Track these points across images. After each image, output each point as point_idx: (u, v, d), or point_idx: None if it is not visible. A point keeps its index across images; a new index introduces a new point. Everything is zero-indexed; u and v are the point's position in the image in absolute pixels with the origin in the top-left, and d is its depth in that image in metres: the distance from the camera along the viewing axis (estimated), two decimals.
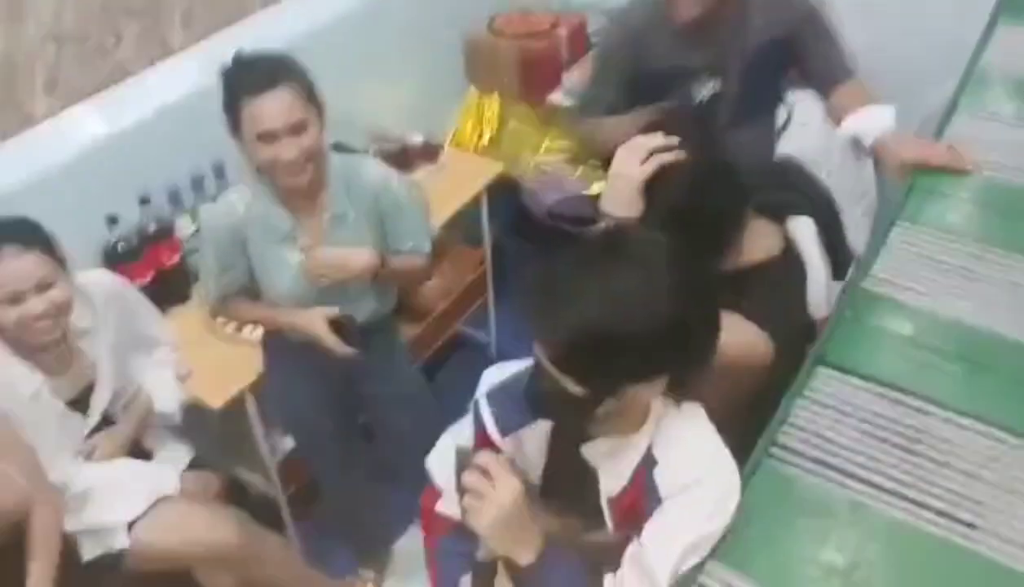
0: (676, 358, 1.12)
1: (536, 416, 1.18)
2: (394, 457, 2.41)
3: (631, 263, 1.09)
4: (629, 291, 1.07)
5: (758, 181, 1.50)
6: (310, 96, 1.81)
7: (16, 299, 1.72)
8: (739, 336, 1.40)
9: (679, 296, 1.08)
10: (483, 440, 1.35)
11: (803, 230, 1.58)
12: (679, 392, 1.22)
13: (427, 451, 1.66)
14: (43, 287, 1.75)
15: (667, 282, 1.08)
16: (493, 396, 1.37)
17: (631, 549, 1.19)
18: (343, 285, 1.98)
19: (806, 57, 2.02)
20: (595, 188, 2.95)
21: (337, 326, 1.97)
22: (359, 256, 1.94)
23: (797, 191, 1.64)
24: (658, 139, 1.41)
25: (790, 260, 1.55)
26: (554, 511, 1.29)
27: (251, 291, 2.04)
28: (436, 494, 1.43)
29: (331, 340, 1.96)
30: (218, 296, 2.03)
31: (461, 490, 1.18)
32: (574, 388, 1.12)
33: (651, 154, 1.40)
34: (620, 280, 1.08)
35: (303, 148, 1.78)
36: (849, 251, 1.73)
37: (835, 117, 1.96)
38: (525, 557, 1.17)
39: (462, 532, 1.24)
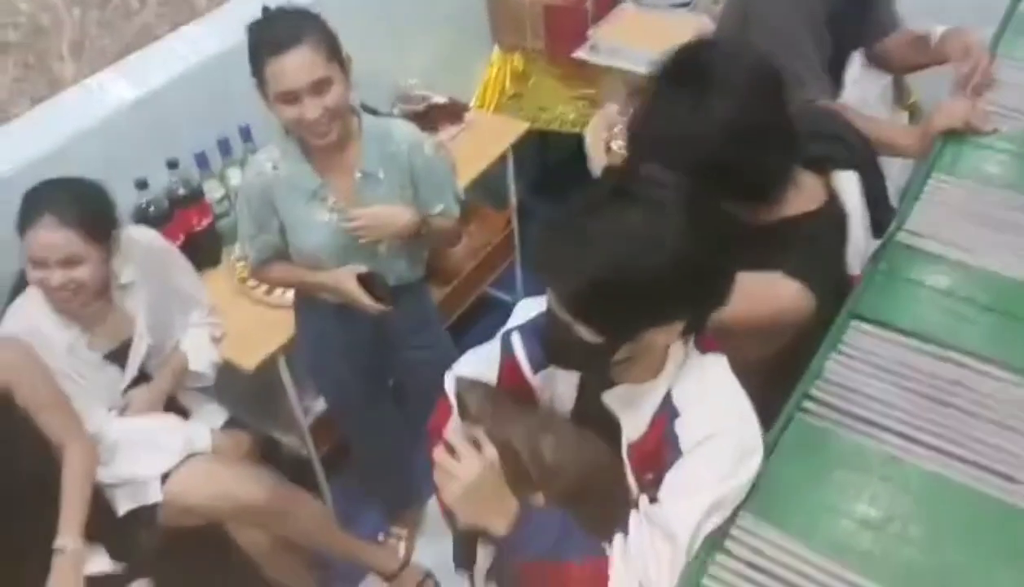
0: (690, 301, 1.10)
1: (553, 364, 1.17)
2: (423, 419, 2.42)
3: (641, 205, 1.07)
4: (639, 233, 1.05)
5: (805, 130, 1.47)
6: (332, 53, 1.78)
7: (39, 265, 1.77)
8: (779, 290, 1.39)
9: (690, 237, 1.06)
10: (511, 372, 1.33)
11: (847, 184, 1.55)
12: (696, 334, 1.21)
13: None
14: (69, 264, 1.78)
15: (677, 223, 1.06)
16: (526, 331, 1.34)
17: (646, 507, 1.16)
18: (376, 246, 1.97)
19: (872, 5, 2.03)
20: None
21: (367, 283, 1.97)
22: (403, 213, 1.93)
23: (843, 143, 1.61)
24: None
25: (833, 214, 1.52)
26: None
27: (287, 254, 2.04)
28: (447, 411, 1.40)
29: (361, 297, 1.95)
30: (256, 260, 2.03)
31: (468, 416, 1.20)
32: (588, 336, 1.10)
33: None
34: (629, 223, 1.06)
35: (326, 107, 1.76)
36: (890, 208, 1.70)
37: (886, 64, 1.97)
38: (498, 527, 1.16)
39: None
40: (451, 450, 1.16)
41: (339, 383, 2.28)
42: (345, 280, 1.96)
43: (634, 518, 1.16)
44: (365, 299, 1.96)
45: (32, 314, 1.82)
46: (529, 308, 1.37)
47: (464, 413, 1.28)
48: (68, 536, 1.79)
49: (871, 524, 1.18)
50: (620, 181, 1.13)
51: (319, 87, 1.75)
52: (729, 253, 1.13)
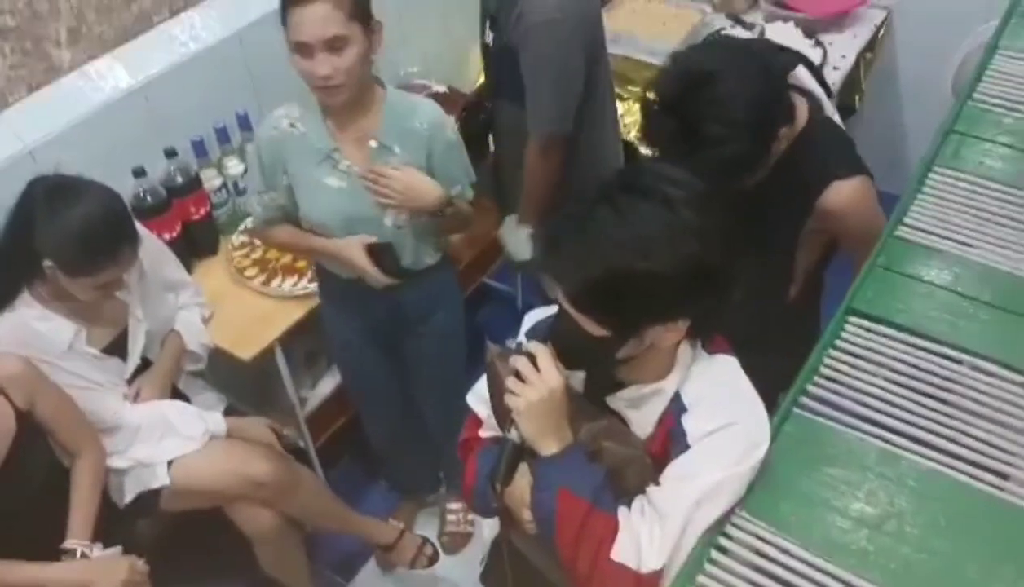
0: (696, 298, 1.10)
1: (563, 364, 1.17)
2: (432, 410, 2.44)
3: (649, 200, 1.08)
4: (647, 228, 1.06)
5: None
6: (356, 14, 1.73)
7: (110, 285, 1.82)
8: (854, 192, 1.57)
9: (698, 235, 1.06)
10: None
11: (805, 78, 1.75)
12: (704, 336, 1.21)
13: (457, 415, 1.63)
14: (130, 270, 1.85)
15: (686, 220, 1.06)
16: (535, 336, 1.34)
17: (648, 489, 1.19)
18: (383, 219, 1.92)
19: None
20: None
21: (375, 255, 1.92)
22: (434, 188, 1.88)
23: (781, 51, 1.79)
24: None
25: (817, 109, 1.69)
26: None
27: (295, 219, 2.00)
28: (477, 425, 1.43)
29: (367, 267, 1.91)
30: (262, 219, 2.00)
31: (498, 384, 1.20)
32: (594, 329, 1.11)
33: None
34: (637, 217, 1.06)
35: (337, 67, 1.72)
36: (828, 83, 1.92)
37: None
38: (549, 448, 1.18)
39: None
40: (519, 376, 1.17)
41: (353, 356, 2.27)
42: (352, 249, 1.91)
43: (637, 499, 1.19)
44: (371, 269, 1.92)
45: (28, 319, 1.81)
46: (536, 317, 1.37)
47: (495, 381, 1.28)
48: (76, 538, 1.82)
49: (867, 522, 1.17)
50: (630, 177, 1.12)
51: (334, 44, 1.71)
52: (738, 250, 1.14)
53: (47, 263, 1.74)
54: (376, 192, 1.87)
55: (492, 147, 2.51)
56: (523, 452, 1.21)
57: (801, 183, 1.60)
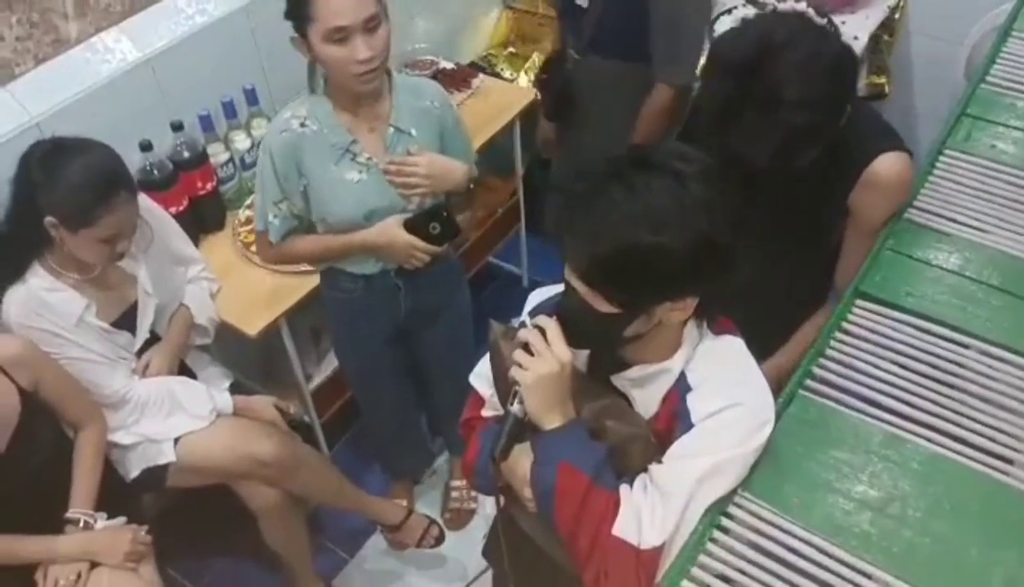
0: (705, 273, 1.10)
1: (569, 342, 1.17)
2: (439, 403, 2.45)
3: (661, 178, 1.08)
4: (657, 202, 1.06)
5: None
6: None
7: (114, 239, 1.80)
8: (897, 168, 1.54)
9: (708, 209, 1.06)
10: None
11: None
12: (710, 316, 1.21)
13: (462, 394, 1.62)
14: (135, 227, 1.83)
15: (696, 196, 1.06)
16: (539, 314, 1.35)
17: (651, 467, 1.18)
18: (401, 206, 1.89)
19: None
20: None
21: (416, 229, 1.88)
22: (460, 166, 1.85)
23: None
24: None
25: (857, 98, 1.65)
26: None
27: (309, 226, 1.95)
28: (480, 404, 1.43)
29: (415, 242, 1.88)
30: (280, 232, 1.91)
31: (501, 362, 1.20)
32: (603, 306, 1.11)
33: None
34: (648, 192, 1.06)
35: (374, 48, 1.69)
36: None
37: None
38: (553, 422, 1.18)
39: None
40: (527, 349, 1.17)
41: (361, 358, 2.25)
42: (392, 230, 1.87)
43: (640, 477, 1.19)
44: (419, 243, 1.88)
45: (38, 291, 1.82)
46: (540, 297, 1.37)
47: (498, 360, 1.28)
48: (79, 508, 1.84)
49: (870, 504, 1.17)
50: (643, 153, 1.12)
51: (371, 24, 1.68)
52: (744, 232, 1.13)
53: (49, 220, 1.73)
54: (402, 184, 1.84)
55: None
56: (525, 426, 1.21)
57: (845, 160, 1.56)
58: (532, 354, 1.16)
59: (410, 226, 1.88)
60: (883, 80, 2.96)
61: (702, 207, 1.06)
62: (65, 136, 1.80)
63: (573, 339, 1.17)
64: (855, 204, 1.58)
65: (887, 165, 1.54)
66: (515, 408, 1.19)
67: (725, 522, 1.17)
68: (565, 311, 1.17)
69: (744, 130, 1.40)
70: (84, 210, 1.73)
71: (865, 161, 1.54)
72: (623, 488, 1.18)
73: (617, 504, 1.15)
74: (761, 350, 1.26)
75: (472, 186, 1.89)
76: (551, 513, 1.18)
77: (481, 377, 1.40)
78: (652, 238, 1.05)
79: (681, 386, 1.20)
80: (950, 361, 1.34)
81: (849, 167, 1.55)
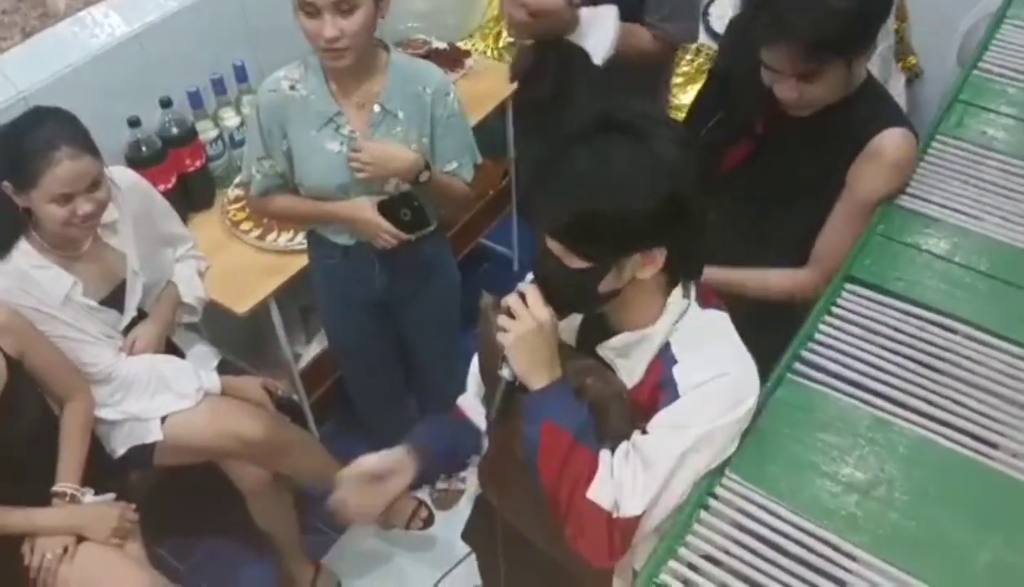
0: (671, 225, 1.12)
1: (548, 302, 1.20)
2: (426, 381, 2.44)
3: (624, 139, 1.11)
4: (621, 166, 1.09)
5: None
6: None
7: (68, 199, 1.75)
8: (899, 143, 1.55)
9: (671, 168, 1.09)
10: None
11: None
12: (697, 288, 1.23)
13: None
14: (92, 187, 1.77)
15: (659, 155, 1.09)
16: None
17: (635, 436, 1.20)
18: (384, 185, 1.89)
19: None
20: None
21: (387, 212, 1.89)
22: (406, 155, 1.85)
23: None
24: None
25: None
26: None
27: (292, 186, 1.96)
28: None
29: (381, 225, 1.89)
30: (260, 187, 1.94)
31: (489, 331, 1.23)
32: (574, 262, 1.14)
33: None
34: (612, 156, 1.10)
35: (343, 29, 1.69)
36: None
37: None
38: (538, 382, 1.21)
39: None
40: (509, 314, 1.20)
41: (345, 325, 2.25)
42: (364, 209, 1.89)
43: (623, 444, 1.21)
44: (386, 226, 1.89)
45: (24, 268, 1.80)
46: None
47: (487, 328, 1.29)
48: (66, 482, 1.83)
49: (856, 487, 1.18)
50: (608, 114, 1.14)
51: (341, 5, 1.67)
52: (708, 188, 1.17)
53: (6, 185, 1.72)
54: (353, 167, 1.85)
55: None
56: (516, 390, 1.23)
57: (853, 130, 1.57)
58: (514, 318, 1.19)
59: (382, 208, 1.90)
60: (914, 60, 3.02)
61: (665, 167, 1.09)
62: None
63: (552, 299, 1.20)
64: (853, 175, 1.58)
65: (892, 140, 1.54)
66: (504, 372, 1.22)
67: (712, 503, 1.18)
68: (543, 271, 1.20)
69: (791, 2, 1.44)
70: (23, 168, 1.71)
71: (871, 133, 1.55)
72: (603, 452, 1.20)
73: (596, 466, 1.18)
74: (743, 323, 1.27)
75: (422, 179, 1.87)
76: (535, 470, 1.21)
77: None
78: (616, 201, 1.08)
79: (666, 357, 1.21)
80: (938, 346, 1.35)
81: (855, 138, 1.56)
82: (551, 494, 1.21)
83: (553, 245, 1.15)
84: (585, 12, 2.14)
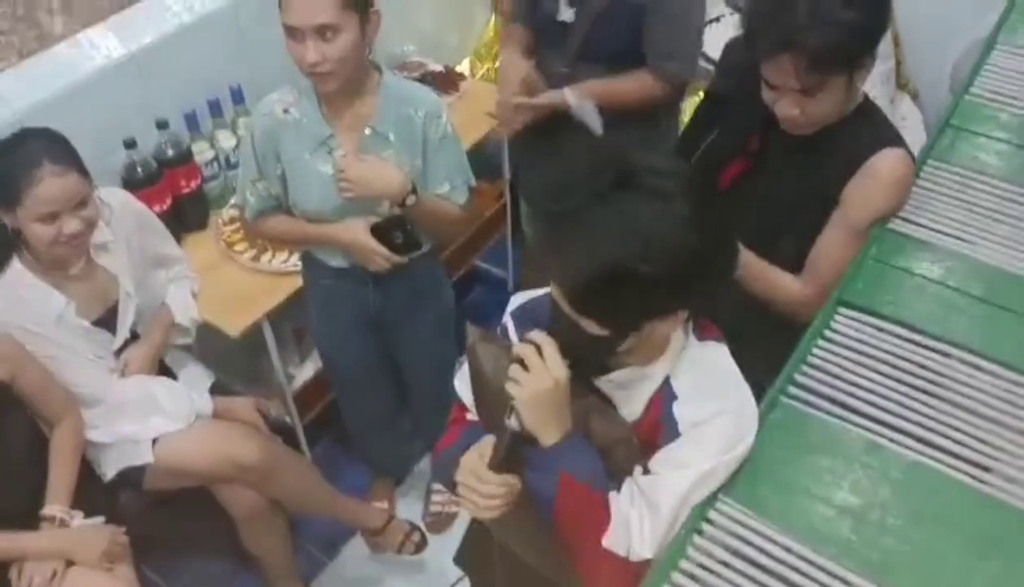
0: (696, 289, 1.10)
1: (563, 356, 1.17)
2: (420, 402, 2.44)
3: (645, 196, 1.06)
4: (645, 225, 1.04)
5: None
6: (350, 2, 1.70)
7: (53, 217, 1.74)
8: (897, 164, 1.56)
9: (696, 226, 1.05)
10: None
11: None
12: (695, 323, 1.22)
13: (444, 399, 1.56)
14: (79, 206, 1.77)
15: (683, 213, 1.05)
16: (518, 316, 1.35)
17: (637, 476, 1.19)
18: (376, 206, 1.89)
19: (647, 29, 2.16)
20: None
21: (381, 235, 1.88)
22: (392, 175, 1.83)
23: None
24: None
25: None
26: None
27: (287, 209, 1.96)
28: (463, 412, 1.43)
29: (375, 249, 1.88)
30: (255, 210, 1.94)
31: (478, 367, 1.21)
32: (594, 329, 1.10)
33: None
34: (635, 214, 1.04)
35: (325, 55, 1.69)
36: None
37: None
38: (550, 438, 1.17)
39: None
40: (538, 349, 1.15)
41: (338, 346, 2.24)
42: (357, 232, 1.89)
43: (627, 484, 1.19)
44: (379, 249, 1.89)
45: (17, 288, 1.80)
46: (522, 299, 1.37)
47: (475, 362, 1.28)
48: (56, 505, 1.82)
49: (850, 511, 1.18)
50: (622, 170, 1.09)
51: (324, 32, 1.68)
52: (732, 237, 1.15)
53: None
54: (340, 187, 1.84)
55: None
56: (521, 440, 1.19)
57: (851, 146, 1.58)
58: (527, 370, 1.14)
59: (375, 231, 1.89)
60: (912, 85, 3.07)
61: (690, 224, 1.04)
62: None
63: (566, 354, 1.16)
64: (848, 193, 1.57)
65: (889, 160, 1.55)
66: (512, 423, 1.17)
67: (706, 528, 1.17)
68: (558, 331, 1.15)
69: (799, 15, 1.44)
70: (8, 186, 1.71)
71: (867, 153, 1.55)
72: (612, 497, 1.18)
73: (609, 513, 1.17)
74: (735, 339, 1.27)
75: (408, 203, 1.85)
76: (550, 521, 1.20)
77: (464, 382, 1.39)
78: (641, 267, 1.03)
79: (666, 393, 1.20)
80: (932, 370, 1.35)
81: (850, 157, 1.57)
82: (566, 541, 1.20)
83: (567, 309, 1.10)
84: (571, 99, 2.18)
